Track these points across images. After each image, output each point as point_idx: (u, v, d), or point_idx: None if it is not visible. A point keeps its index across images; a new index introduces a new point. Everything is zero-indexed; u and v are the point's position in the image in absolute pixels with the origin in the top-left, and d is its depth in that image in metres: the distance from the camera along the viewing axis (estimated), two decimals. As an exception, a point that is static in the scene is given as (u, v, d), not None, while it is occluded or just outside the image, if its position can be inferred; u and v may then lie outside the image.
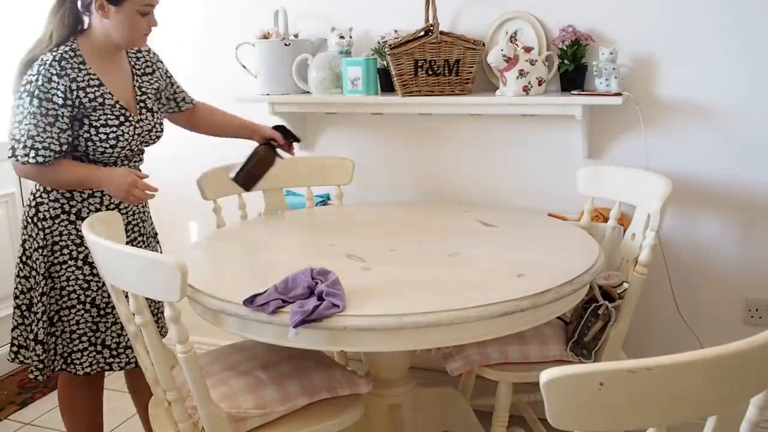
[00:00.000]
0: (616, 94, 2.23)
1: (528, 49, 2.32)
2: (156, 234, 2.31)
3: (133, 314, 1.62)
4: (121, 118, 2.01)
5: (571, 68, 2.34)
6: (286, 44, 2.57)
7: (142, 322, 1.61)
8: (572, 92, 2.32)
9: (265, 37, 2.63)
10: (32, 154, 1.89)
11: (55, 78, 1.92)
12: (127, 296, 1.63)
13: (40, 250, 2.02)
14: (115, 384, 3.02)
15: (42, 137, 1.89)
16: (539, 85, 2.30)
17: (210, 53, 2.88)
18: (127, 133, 2.03)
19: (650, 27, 2.31)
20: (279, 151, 2.27)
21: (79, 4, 1.98)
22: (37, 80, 1.90)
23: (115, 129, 2.00)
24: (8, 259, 3.13)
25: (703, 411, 0.98)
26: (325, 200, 2.73)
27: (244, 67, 2.75)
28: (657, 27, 2.31)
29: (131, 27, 1.97)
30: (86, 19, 2.00)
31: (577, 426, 0.95)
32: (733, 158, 2.31)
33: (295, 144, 2.30)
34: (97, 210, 2.05)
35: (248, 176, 2.19)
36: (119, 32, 1.97)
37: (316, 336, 1.55)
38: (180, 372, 1.65)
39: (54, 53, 1.95)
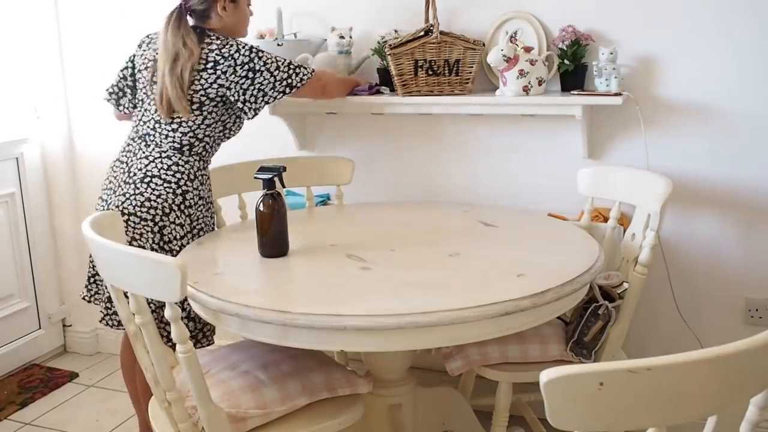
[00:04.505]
0: (616, 94, 2.23)
1: (528, 49, 2.32)
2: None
3: (133, 314, 1.62)
4: None
5: (571, 68, 2.34)
6: (278, 44, 2.56)
7: (142, 322, 1.61)
8: (572, 92, 2.32)
9: (261, 37, 2.63)
10: (305, 70, 2.23)
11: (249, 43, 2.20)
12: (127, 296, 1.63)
13: (188, 236, 2.20)
14: (114, 384, 3.03)
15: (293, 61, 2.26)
16: (539, 85, 2.30)
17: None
18: None
19: (650, 27, 2.31)
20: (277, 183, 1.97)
21: (194, 14, 2.20)
22: (249, 48, 2.16)
23: None
24: (8, 259, 3.13)
25: (703, 411, 0.98)
26: (325, 200, 2.73)
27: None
28: (657, 27, 2.31)
29: (246, 17, 2.31)
30: (190, 22, 2.20)
31: (577, 426, 0.95)
32: (733, 158, 2.31)
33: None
34: (210, 191, 2.31)
35: (273, 243, 1.92)
36: (243, 23, 2.29)
37: (316, 336, 1.55)
38: (180, 372, 1.65)
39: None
